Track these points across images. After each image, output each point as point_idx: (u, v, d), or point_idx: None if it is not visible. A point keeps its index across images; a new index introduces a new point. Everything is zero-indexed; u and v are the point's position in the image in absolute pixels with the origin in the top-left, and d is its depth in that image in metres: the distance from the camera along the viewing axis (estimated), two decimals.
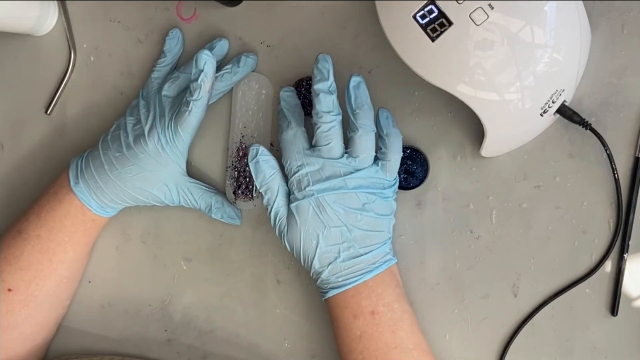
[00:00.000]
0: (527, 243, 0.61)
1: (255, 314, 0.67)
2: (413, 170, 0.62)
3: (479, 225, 0.62)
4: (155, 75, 0.66)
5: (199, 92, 0.60)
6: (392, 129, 0.59)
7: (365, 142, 0.57)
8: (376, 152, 0.59)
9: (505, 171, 0.62)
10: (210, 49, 0.65)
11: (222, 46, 0.66)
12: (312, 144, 0.59)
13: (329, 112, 0.58)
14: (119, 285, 0.70)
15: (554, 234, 0.61)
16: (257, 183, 0.59)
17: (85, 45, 0.71)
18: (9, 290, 0.64)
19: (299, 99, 0.64)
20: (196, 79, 0.60)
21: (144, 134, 0.62)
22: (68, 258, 0.65)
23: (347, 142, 0.59)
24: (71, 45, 0.71)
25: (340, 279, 0.58)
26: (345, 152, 0.58)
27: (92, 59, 0.71)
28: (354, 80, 0.59)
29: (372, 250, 0.58)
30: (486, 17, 0.52)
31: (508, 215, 0.62)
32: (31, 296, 0.64)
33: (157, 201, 0.64)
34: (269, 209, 0.59)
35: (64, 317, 0.71)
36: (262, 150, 0.59)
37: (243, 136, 0.66)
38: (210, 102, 0.65)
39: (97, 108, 0.71)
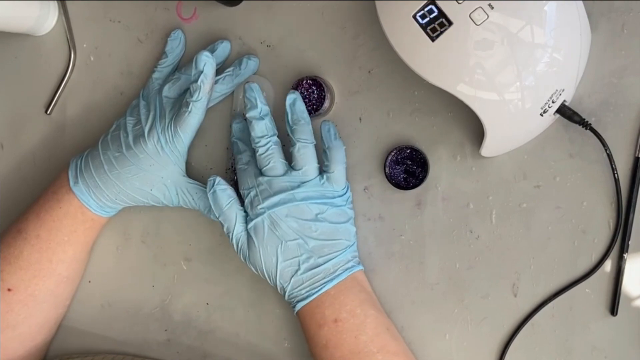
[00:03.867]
0: (527, 243, 0.61)
1: (255, 314, 0.67)
2: (413, 170, 0.62)
3: (479, 225, 0.62)
4: (156, 75, 0.66)
5: (199, 93, 0.60)
6: (333, 141, 0.60)
7: (304, 154, 0.59)
8: (322, 164, 0.61)
9: (505, 171, 0.62)
10: (212, 51, 0.65)
11: (223, 48, 0.66)
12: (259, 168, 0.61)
13: (262, 136, 0.60)
14: (119, 285, 0.70)
15: (554, 234, 0.61)
16: (215, 213, 0.61)
17: (85, 45, 0.71)
18: (9, 290, 0.64)
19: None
20: (196, 80, 0.60)
21: (143, 134, 0.62)
22: (67, 257, 0.65)
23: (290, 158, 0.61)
24: (71, 45, 0.71)
25: (303, 291, 0.59)
26: (290, 168, 0.60)
27: (92, 59, 0.71)
28: (290, 98, 0.60)
29: (332, 259, 0.59)
30: (486, 17, 0.52)
31: (508, 215, 0.62)
32: (31, 296, 0.64)
33: (156, 202, 0.64)
34: (230, 237, 0.61)
35: (64, 317, 0.71)
36: (219, 180, 0.61)
37: None
38: (211, 105, 0.65)
39: (97, 108, 0.71)
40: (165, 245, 0.69)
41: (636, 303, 0.59)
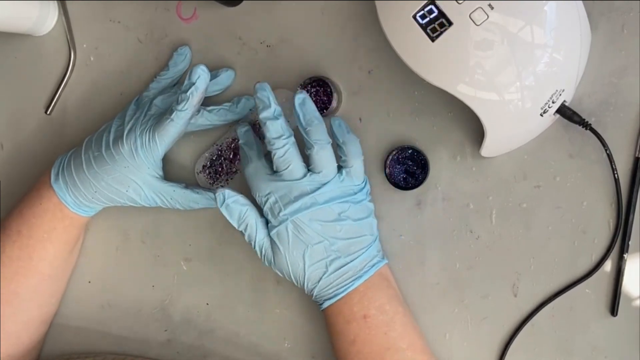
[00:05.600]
0: (527, 243, 0.61)
1: (255, 314, 0.67)
2: (413, 170, 0.62)
3: (479, 225, 0.62)
4: (153, 85, 0.66)
5: (185, 103, 0.60)
6: (347, 135, 0.59)
7: (323, 156, 0.58)
8: (338, 160, 0.59)
9: (505, 171, 0.62)
10: (215, 76, 0.65)
11: (228, 76, 0.66)
12: (274, 170, 0.59)
13: (279, 137, 0.57)
14: (119, 286, 0.70)
15: (554, 234, 0.61)
16: (234, 224, 0.59)
17: (85, 45, 0.71)
18: None
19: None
20: (186, 91, 0.59)
21: (122, 135, 0.62)
22: (48, 255, 0.65)
23: (307, 158, 0.59)
24: (71, 45, 0.71)
25: (331, 291, 0.58)
26: (308, 169, 0.58)
27: (92, 59, 0.71)
28: (298, 98, 0.58)
29: (359, 256, 0.58)
30: (486, 17, 0.52)
31: (508, 215, 0.62)
32: (13, 293, 0.64)
33: (132, 202, 0.64)
34: (253, 244, 0.60)
35: (64, 317, 0.70)
36: (228, 192, 0.59)
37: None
38: (193, 129, 0.65)
39: (97, 108, 0.71)
40: (165, 245, 0.69)
41: (636, 303, 0.59)
